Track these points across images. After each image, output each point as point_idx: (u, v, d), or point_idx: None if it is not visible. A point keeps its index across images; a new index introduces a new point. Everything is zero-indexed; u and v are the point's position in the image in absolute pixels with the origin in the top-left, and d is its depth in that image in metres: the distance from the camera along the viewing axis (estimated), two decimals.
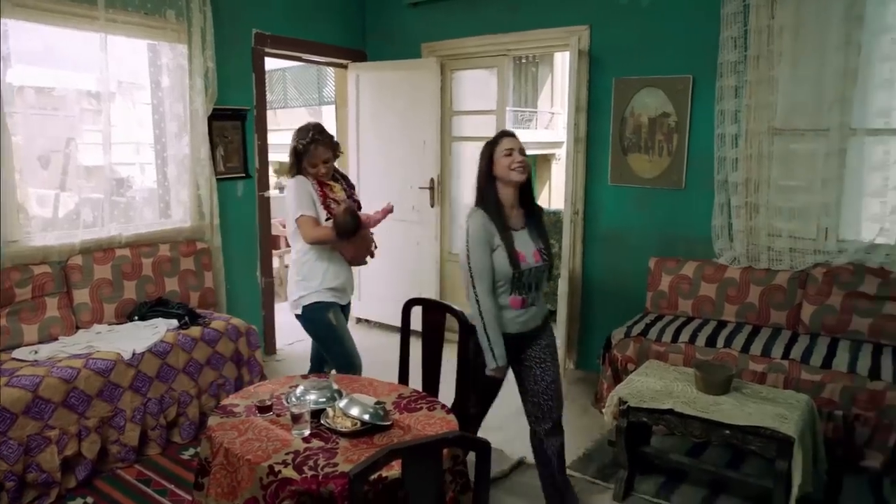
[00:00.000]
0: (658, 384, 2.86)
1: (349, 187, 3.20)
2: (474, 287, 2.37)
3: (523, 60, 14.96)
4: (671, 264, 3.87)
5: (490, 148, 2.45)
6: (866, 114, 3.35)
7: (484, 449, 1.63)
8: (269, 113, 5.54)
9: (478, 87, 5.15)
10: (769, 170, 3.61)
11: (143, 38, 3.86)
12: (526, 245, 2.43)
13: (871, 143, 3.37)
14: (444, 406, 2.28)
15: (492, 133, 4.75)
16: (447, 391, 2.69)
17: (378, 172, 5.22)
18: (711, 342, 3.36)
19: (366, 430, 2.05)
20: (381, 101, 5.12)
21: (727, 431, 2.61)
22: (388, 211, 3.14)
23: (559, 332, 4.27)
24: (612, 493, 2.94)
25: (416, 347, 2.76)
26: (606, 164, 4.20)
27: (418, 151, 4.98)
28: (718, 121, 3.72)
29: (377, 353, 4.57)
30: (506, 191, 2.43)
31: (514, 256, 2.37)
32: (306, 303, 3.00)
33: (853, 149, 3.40)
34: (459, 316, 2.63)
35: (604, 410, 2.97)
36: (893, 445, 2.86)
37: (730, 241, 3.77)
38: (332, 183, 3.07)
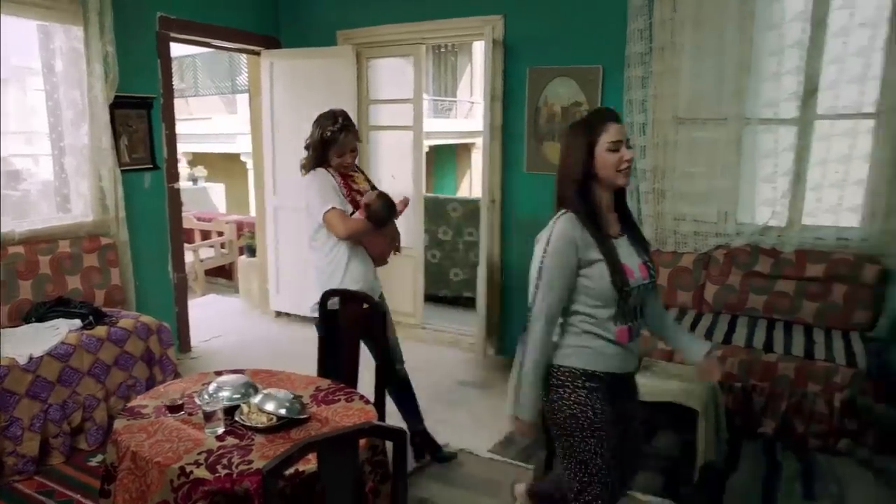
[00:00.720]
0: None
1: (368, 181, 2.99)
2: (531, 309, 1.85)
3: (442, 49, 14.98)
4: None
5: (589, 136, 1.82)
6: (758, 104, 3.57)
7: (400, 438, 1.63)
8: (180, 101, 5.31)
9: (394, 76, 5.12)
10: (674, 157, 3.79)
11: (31, 19, 3.59)
12: (630, 257, 1.87)
13: (763, 132, 3.59)
14: (362, 397, 2.27)
15: (409, 122, 4.87)
16: (367, 382, 2.68)
17: (295, 163, 5.08)
18: None
19: (282, 425, 2.01)
20: (297, 89, 5.00)
21: None
22: (406, 204, 2.96)
23: (478, 319, 4.34)
24: (532, 473, 3.02)
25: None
26: (522, 153, 4.28)
27: None
28: (627, 110, 3.86)
29: (296, 346, 4.51)
30: (604, 193, 1.87)
31: (620, 272, 1.79)
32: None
33: (747, 137, 3.61)
34: (377, 305, 2.62)
35: None
36: (784, 412, 3.08)
37: (640, 226, 3.92)
38: (354, 174, 2.87)
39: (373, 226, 2.73)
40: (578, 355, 1.87)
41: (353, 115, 4.81)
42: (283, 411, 2.03)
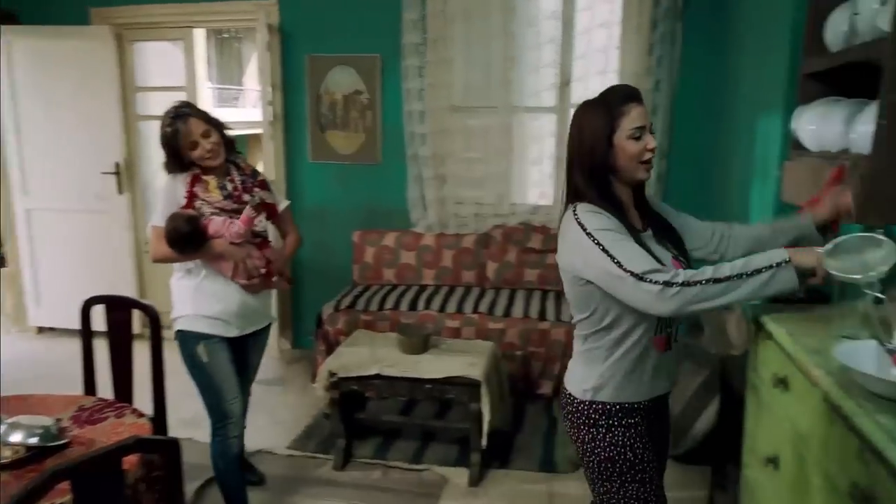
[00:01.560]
0: (365, 352, 2.99)
1: (250, 184, 2.40)
2: (637, 276, 1.38)
3: (225, 35, 14.16)
4: (374, 236, 4.07)
5: (609, 120, 1.50)
6: (523, 94, 3.89)
7: (171, 450, 1.52)
8: None
9: (166, 62, 4.74)
10: (452, 144, 3.99)
11: None
12: (660, 254, 1.53)
13: (529, 119, 3.94)
14: (135, 410, 2.09)
15: None
16: (143, 394, 2.47)
17: (49, 158, 4.51)
18: (413, 306, 3.63)
19: (34, 457, 1.78)
20: (45, 74, 4.39)
21: (428, 386, 2.86)
22: (247, 218, 2.31)
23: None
24: (332, 463, 3.02)
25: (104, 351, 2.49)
26: (306, 142, 4.21)
27: (97, 133, 4.41)
28: (406, 98, 3.98)
29: (63, 366, 4.00)
30: (623, 187, 1.58)
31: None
32: (177, 327, 2.39)
33: (516, 124, 3.93)
34: (150, 310, 2.43)
35: (315, 385, 3.02)
36: (558, 373, 3.43)
37: (424, 211, 4.09)
38: (207, 179, 2.32)
39: (178, 253, 2.28)
40: (612, 387, 1.57)
41: (116, 105, 4.42)
42: (33, 440, 1.79)
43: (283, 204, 2.56)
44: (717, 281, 1.30)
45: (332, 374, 2.89)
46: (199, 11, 4.31)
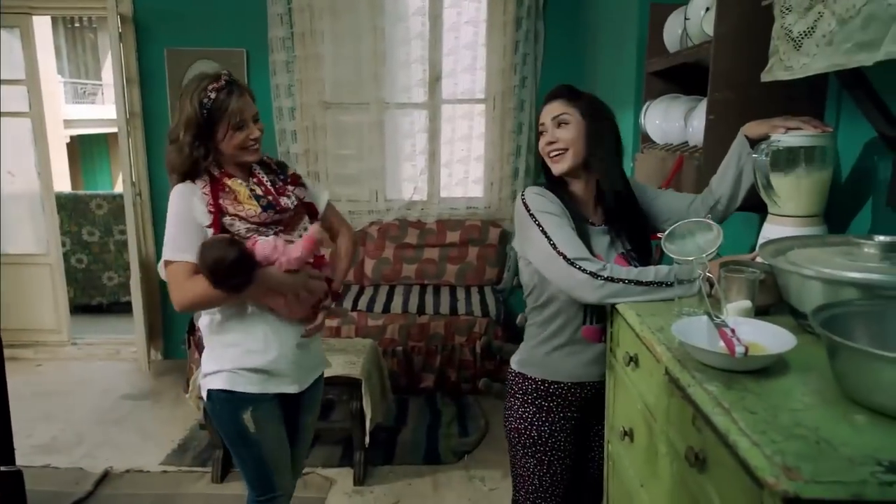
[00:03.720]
0: None
1: (281, 183, 1.74)
2: (569, 260, 1.44)
3: (76, 24, 13.07)
4: None
5: (538, 116, 1.63)
6: (395, 90, 3.89)
7: (13, 481, 1.39)
8: None
9: (7, 51, 4.27)
10: (324, 141, 3.92)
11: None
12: (605, 246, 1.58)
13: (401, 115, 3.95)
14: None
15: (25, 107, 4.12)
16: None
17: None
18: None
19: None
20: None
21: None
22: (314, 241, 1.67)
23: (137, 325, 3.96)
24: (210, 476, 2.89)
25: None
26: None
27: None
28: (275, 94, 3.86)
29: None
30: (579, 183, 1.60)
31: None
32: (210, 386, 1.71)
33: (388, 120, 3.93)
34: None
35: (187, 396, 2.88)
36: (439, 366, 3.48)
37: None
38: (233, 185, 1.65)
39: (223, 292, 1.58)
40: (535, 364, 1.63)
41: None
42: None
43: (324, 198, 1.91)
44: (639, 283, 1.40)
45: None
46: None
